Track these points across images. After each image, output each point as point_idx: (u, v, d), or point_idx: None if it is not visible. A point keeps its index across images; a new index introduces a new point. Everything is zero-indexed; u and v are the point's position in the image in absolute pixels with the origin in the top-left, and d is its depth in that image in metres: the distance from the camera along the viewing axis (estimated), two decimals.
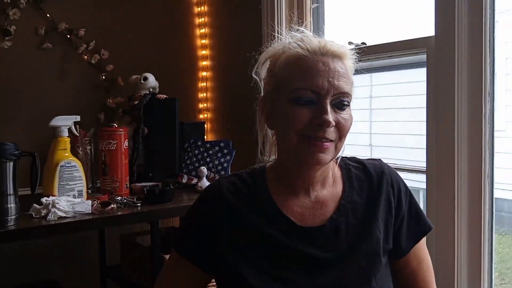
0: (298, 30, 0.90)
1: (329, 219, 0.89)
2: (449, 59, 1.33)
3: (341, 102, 0.84)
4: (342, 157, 0.98)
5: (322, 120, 0.80)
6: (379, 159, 1.00)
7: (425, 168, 1.44)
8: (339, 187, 0.93)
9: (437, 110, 1.39)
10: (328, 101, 0.82)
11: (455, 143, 1.33)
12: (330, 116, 0.81)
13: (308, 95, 0.82)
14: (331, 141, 0.83)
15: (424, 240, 0.97)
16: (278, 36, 0.92)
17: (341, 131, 0.84)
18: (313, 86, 0.81)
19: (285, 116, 0.84)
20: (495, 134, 1.35)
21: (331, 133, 0.82)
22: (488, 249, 1.31)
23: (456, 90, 1.33)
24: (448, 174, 1.34)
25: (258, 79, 0.93)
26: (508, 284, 2.99)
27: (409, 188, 0.97)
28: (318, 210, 0.90)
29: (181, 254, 0.93)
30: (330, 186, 0.93)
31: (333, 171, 0.94)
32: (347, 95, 0.84)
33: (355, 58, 0.89)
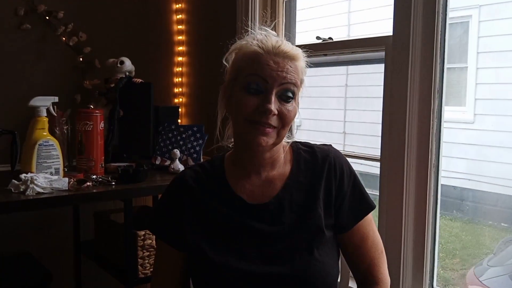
0: (263, 29, 1.01)
1: (275, 196, 1.01)
2: (404, 57, 1.45)
3: (286, 94, 0.95)
4: (296, 141, 1.10)
5: (266, 108, 0.92)
6: (330, 145, 1.11)
7: (379, 157, 1.58)
8: (287, 168, 1.04)
9: (392, 103, 1.50)
10: (274, 92, 0.94)
11: (406, 134, 1.45)
12: (273, 106, 0.93)
13: (257, 81, 0.93)
14: (274, 127, 0.95)
15: (369, 219, 1.06)
16: (249, 30, 1.02)
17: (284, 120, 0.95)
18: (262, 73, 0.93)
19: (237, 103, 0.96)
20: (445, 125, 1.47)
21: (274, 120, 0.94)
22: (432, 229, 1.45)
23: (409, 86, 1.44)
24: (398, 162, 1.47)
25: (227, 66, 1.03)
26: (469, 270, 3.15)
27: (372, 174, 1.07)
28: (267, 188, 1.02)
29: (158, 236, 1.07)
30: (280, 167, 1.04)
31: (285, 154, 1.05)
32: (293, 85, 0.95)
33: (307, 61, 1.00)
